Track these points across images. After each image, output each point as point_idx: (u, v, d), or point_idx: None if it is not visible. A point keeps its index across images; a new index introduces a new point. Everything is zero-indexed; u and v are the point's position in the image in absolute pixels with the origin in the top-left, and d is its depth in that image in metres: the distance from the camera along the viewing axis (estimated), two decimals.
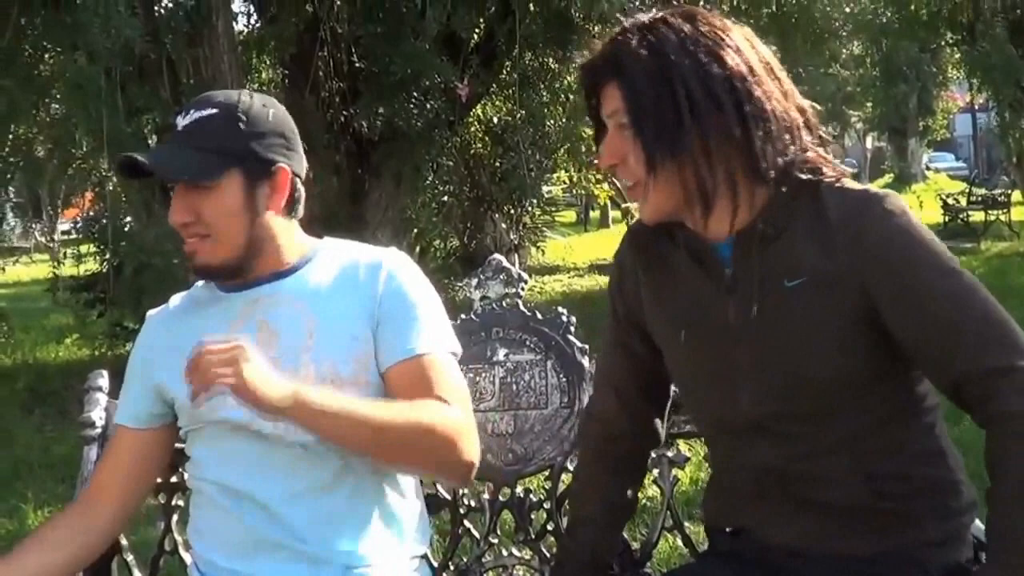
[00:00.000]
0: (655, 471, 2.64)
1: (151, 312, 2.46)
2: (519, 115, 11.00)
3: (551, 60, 11.30)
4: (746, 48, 2.00)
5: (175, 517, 2.63)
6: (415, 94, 8.67)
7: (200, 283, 2.44)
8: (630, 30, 2.01)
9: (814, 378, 1.96)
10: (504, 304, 2.72)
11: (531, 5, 8.42)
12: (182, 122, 2.25)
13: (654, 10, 2.06)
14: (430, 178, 10.43)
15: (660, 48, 1.96)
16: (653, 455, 2.58)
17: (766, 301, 1.98)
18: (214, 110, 2.24)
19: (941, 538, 2.02)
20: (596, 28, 9.37)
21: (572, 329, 2.68)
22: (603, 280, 18.19)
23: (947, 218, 22.04)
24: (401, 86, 8.47)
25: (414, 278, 2.38)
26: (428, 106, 8.82)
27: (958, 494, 2.05)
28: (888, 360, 1.97)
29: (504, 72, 9.29)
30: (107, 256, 8.58)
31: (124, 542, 2.55)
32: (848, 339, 1.95)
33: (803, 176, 1.97)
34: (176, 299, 2.46)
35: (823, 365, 1.96)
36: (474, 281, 2.74)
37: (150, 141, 8.80)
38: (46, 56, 9.43)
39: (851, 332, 1.94)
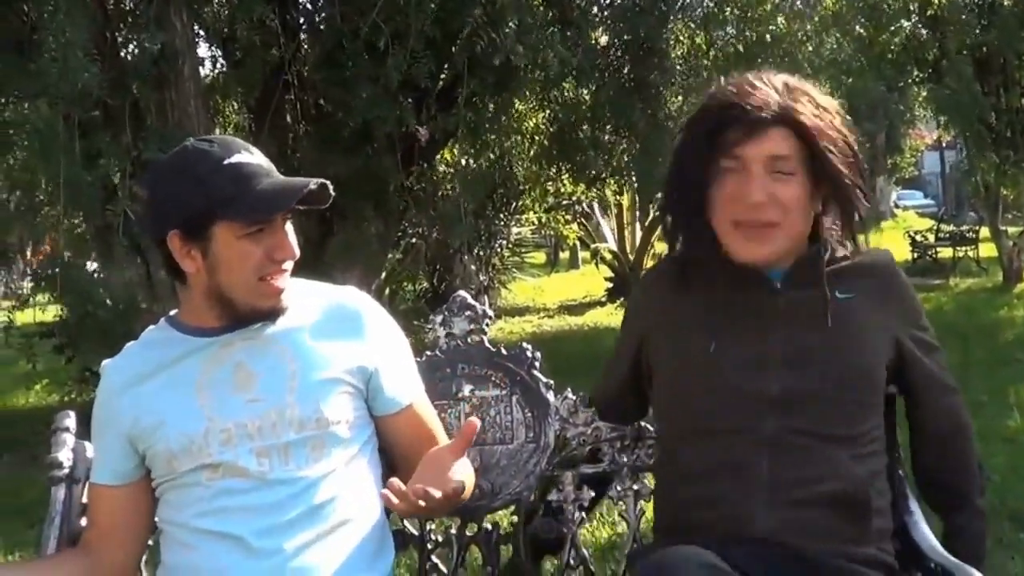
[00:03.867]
0: (621, 504, 2.66)
1: (107, 363, 2.42)
2: (462, 160, 11.11)
3: (518, 103, 11.36)
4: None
5: (144, 557, 2.61)
6: (372, 139, 8.68)
7: (153, 327, 2.44)
8: (782, 86, 2.34)
9: (850, 366, 2.31)
10: (469, 340, 2.73)
11: (479, 53, 8.45)
12: None
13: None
14: (395, 220, 10.38)
15: (818, 110, 2.32)
16: (619, 488, 2.64)
17: (818, 301, 2.32)
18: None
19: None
20: (539, 76, 9.50)
21: (537, 364, 2.70)
22: (572, 320, 18.23)
23: (915, 255, 22.15)
24: (358, 130, 8.47)
25: (390, 321, 2.49)
26: (377, 150, 8.87)
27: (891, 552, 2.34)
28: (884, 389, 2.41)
29: (469, 116, 9.30)
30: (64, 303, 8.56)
31: None
32: (880, 348, 2.36)
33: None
34: (134, 346, 2.43)
35: (860, 358, 2.33)
36: (439, 318, 2.75)
37: (118, 187, 8.76)
38: (9, 102, 9.39)
39: (882, 345, 2.37)
